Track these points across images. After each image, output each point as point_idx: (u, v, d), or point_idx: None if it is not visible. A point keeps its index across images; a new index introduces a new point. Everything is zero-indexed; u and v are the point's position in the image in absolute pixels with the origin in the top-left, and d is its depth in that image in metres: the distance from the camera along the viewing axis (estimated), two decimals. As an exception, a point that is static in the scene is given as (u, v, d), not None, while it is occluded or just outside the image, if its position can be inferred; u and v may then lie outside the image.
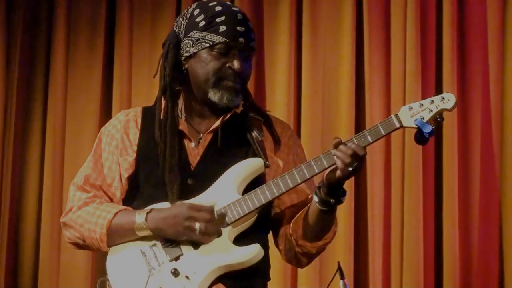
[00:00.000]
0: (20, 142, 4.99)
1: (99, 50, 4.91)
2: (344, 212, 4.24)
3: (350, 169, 2.39)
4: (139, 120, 2.66)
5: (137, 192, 2.60)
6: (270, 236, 2.65)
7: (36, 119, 5.00)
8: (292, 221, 2.59)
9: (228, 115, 2.61)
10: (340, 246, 4.24)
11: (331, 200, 2.46)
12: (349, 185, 4.07)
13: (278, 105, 4.47)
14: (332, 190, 2.46)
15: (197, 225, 2.44)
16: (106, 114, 4.87)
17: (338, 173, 2.41)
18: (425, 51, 4.34)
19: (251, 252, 2.48)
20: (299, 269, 4.26)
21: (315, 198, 2.48)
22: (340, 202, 2.48)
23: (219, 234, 2.47)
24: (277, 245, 2.66)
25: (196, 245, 2.47)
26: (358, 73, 4.47)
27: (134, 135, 2.64)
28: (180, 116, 2.63)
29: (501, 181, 4.21)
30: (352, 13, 4.47)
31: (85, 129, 4.88)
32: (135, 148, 2.62)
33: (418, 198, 4.21)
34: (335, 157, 2.41)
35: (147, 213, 2.50)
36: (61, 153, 4.88)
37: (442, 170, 4.26)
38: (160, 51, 4.67)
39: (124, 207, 2.57)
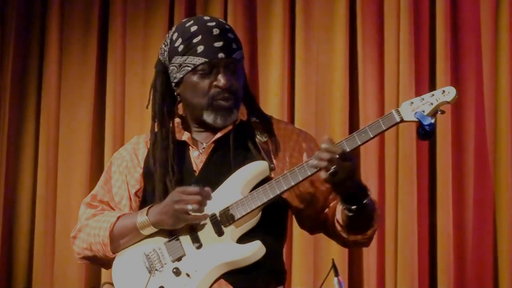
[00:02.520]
0: (13, 144, 4.97)
1: (92, 52, 4.90)
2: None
3: (328, 172, 2.38)
4: (149, 141, 2.69)
5: (145, 206, 2.61)
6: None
7: (29, 120, 4.99)
8: (336, 211, 2.59)
9: (232, 126, 2.62)
10: (334, 243, 4.17)
11: (351, 206, 2.46)
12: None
13: (271, 103, 4.47)
14: (344, 196, 2.46)
15: (190, 207, 2.45)
16: (99, 115, 4.87)
17: (325, 178, 2.42)
18: (419, 48, 4.34)
19: (251, 249, 2.48)
20: (293, 266, 4.27)
21: (341, 206, 2.50)
22: (362, 205, 2.46)
23: (220, 233, 2.49)
24: (310, 230, 2.72)
25: (198, 245, 2.49)
26: (351, 71, 4.47)
27: (143, 154, 2.70)
28: (182, 130, 2.66)
29: (495, 179, 4.21)
30: (346, 11, 4.46)
31: (79, 130, 4.87)
32: (142, 165, 2.67)
33: (412, 196, 4.21)
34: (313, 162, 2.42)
35: (148, 209, 2.53)
36: (54, 154, 4.87)
37: (436, 168, 4.26)
38: (153, 53, 4.78)
39: (128, 212, 2.63)
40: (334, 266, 3.19)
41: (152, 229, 2.52)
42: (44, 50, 4.97)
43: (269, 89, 4.55)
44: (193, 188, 2.48)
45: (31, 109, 4.99)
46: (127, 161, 2.70)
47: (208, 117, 2.59)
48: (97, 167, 4.76)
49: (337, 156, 2.38)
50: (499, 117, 4.23)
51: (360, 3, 4.44)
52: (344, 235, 2.59)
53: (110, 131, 4.77)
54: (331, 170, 2.38)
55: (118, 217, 2.58)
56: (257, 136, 2.62)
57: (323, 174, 2.40)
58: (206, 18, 2.63)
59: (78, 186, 4.76)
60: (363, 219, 2.53)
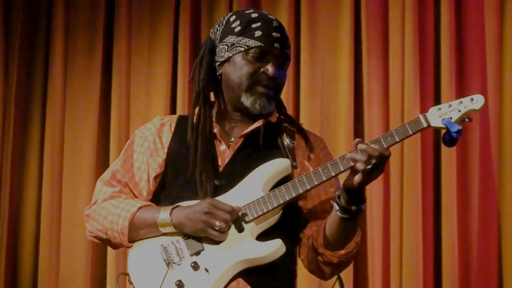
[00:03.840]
0: (19, 147, 4.99)
1: (98, 56, 4.92)
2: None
3: (368, 167, 2.36)
4: (173, 125, 2.70)
5: (164, 192, 2.62)
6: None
7: (34, 125, 5.01)
8: (315, 229, 2.59)
9: (263, 123, 2.60)
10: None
11: (352, 207, 2.44)
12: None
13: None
14: (352, 197, 2.44)
15: (217, 223, 2.44)
16: (104, 119, 4.88)
17: (357, 177, 2.38)
18: (423, 56, 4.35)
19: (272, 247, 2.47)
20: (298, 279, 4.26)
21: (336, 206, 2.47)
22: (361, 210, 2.46)
23: (240, 230, 2.47)
24: (299, 254, 2.65)
25: (218, 240, 2.48)
26: (356, 78, 4.47)
27: (167, 137, 2.68)
28: (213, 119, 2.65)
29: (500, 184, 4.22)
30: (350, 19, 4.47)
31: (84, 134, 4.89)
32: (166, 150, 2.65)
33: (417, 201, 4.22)
34: (353, 156, 2.38)
35: (173, 208, 2.51)
36: (59, 158, 4.89)
37: (440, 172, 4.27)
38: (157, 57, 4.80)
39: (148, 203, 2.60)
40: (339, 278, 3.19)
41: (171, 229, 2.51)
42: (49, 61, 4.99)
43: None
44: (226, 206, 2.46)
45: (36, 116, 5.00)
46: (150, 143, 2.67)
47: (247, 100, 2.58)
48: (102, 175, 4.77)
49: (383, 153, 2.37)
50: (503, 125, 4.23)
51: (365, 14, 4.44)
52: (321, 250, 2.58)
53: (115, 140, 4.78)
54: (370, 165, 2.36)
55: (139, 208, 2.55)
56: (286, 139, 2.61)
57: (359, 166, 2.36)
58: (265, 12, 2.68)
59: (83, 193, 4.78)
60: (352, 227, 2.52)
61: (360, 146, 2.38)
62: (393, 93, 4.35)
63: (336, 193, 2.47)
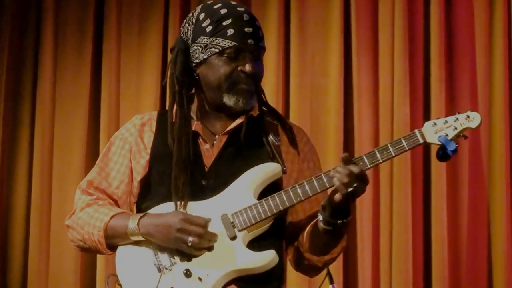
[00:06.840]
0: (8, 148, 4.96)
1: (87, 56, 4.89)
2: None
3: (349, 189, 2.36)
4: (154, 124, 2.66)
5: (150, 193, 2.59)
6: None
7: (24, 125, 4.97)
8: (301, 233, 2.58)
9: (245, 118, 2.58)
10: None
11: (336, 221, 2.44)
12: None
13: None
14: (335, 211, 2.43)
15: (190, 239, 2.43)
16: (94, 119, 4.86)
17: (338, 195, 2.39)
18: (413, 54, 4.36)
19: (266, 258, 2.47)
20: (287, 274, 4.27)
21: (319, 217, 2.46)
22: (344, 224, 2.45)
23: (233, 237, 2.47)
24: (287, 254, 2.65)
25: (210, 247, 2.46)
26: (346, 78, 4.47)
27: (149, 138, 2.64)
28: (194, 118, 2.62)
29: (490, 186, 4.24)
30: (340, 17, 4.47)
31: (73, 135, 4.86)
32: (149, 151, 2.62)
33: (406, 201, 4.23)
34: (333, 177, 2.39)
35: (140, 217, 2.50)
36: (49, 159, 4.86)
37: (430, 173, 4.28)
38: (147, 55, 4.79)
39: (122, 210, 2.59)
40: (329, 274, 3.19)
41: (140, 238, 2.50)
42: (38, 58, 4.95)
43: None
44: (199, 220, 2.45)
45: (25, 116, 4.97)
46: (132, 145, 2.64)
47: (229, 100, 2.54)
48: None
49: (358, 176, 2.37)
50: (493, 123, 4.25)
51: (355, 13, 4.45)
52: (307, 255, 2.58)
53: (104, 138, 4.75)
54: (351, 188, 2.36)
55: (112, 217, 2.53)
56: (270, 136, 2.59)
57: (340, 189, 2.38)
58: (233, 3, 2.61)
59: (73, 192, 4.67)
60: (336, 237, 2.52)
61: (339, 169, 2.39)
62: (383, 91, 4.36)
63: (322, 203, 2.46)
